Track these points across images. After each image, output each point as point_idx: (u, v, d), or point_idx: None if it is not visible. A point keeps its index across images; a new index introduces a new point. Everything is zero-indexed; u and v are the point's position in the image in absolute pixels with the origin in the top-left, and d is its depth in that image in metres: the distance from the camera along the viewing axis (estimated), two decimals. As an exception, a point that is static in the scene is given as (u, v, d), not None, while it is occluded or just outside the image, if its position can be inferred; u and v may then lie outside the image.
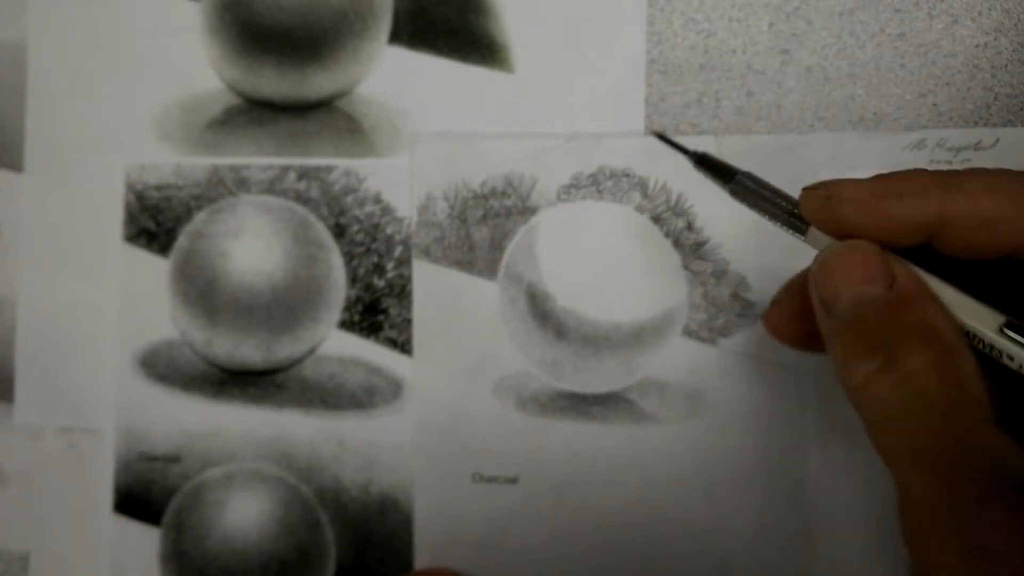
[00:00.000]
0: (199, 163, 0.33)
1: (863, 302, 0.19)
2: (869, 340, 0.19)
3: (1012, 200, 0.19)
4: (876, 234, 0.20)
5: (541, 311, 0.31)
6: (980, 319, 0.19)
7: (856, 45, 0.30)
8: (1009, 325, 0.19)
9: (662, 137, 0.27)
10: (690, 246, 0.30)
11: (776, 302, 0.24)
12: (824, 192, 0.21)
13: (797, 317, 0.23)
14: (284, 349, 0.32)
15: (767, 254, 0.30)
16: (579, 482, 0.31)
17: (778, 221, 0.22)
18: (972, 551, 0.17)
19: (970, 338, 0.19)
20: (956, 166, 0.29)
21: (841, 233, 0.21)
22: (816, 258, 0.21)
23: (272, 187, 0.32)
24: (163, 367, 0.33)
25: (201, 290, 0.33)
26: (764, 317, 0.24)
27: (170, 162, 0.33)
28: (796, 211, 0.22)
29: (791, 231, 0.22)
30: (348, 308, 0.32)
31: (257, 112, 0.32)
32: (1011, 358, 0.19)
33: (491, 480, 0.31)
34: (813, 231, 0.21)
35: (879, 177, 0.20)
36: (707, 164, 0.25)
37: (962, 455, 0.17)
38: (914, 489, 0.18)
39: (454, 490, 0.31)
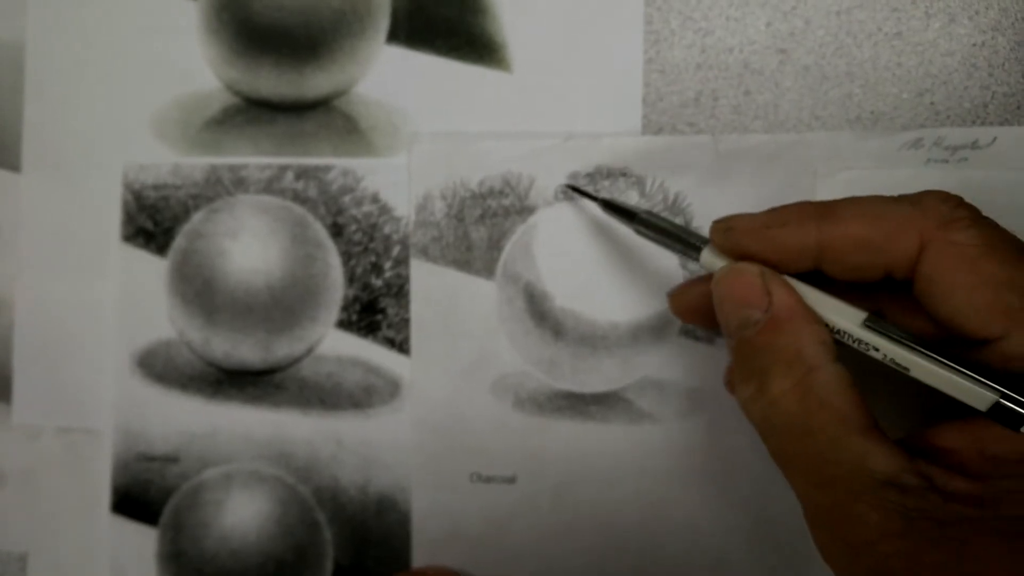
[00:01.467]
0: (197, 163, 0.33)
1: (745, 325, 0.22)
2: (747, 365, 0.22)
3: (877, 224, 0.21)
4: (769, 258, 0.22)
5: (539, 311, 0.31)
6: (847, 318, 0.22)
7: (853, 44, 0.30)
8: (870, 320, 0.21)
9: (572, 188, 0.30)
10: (688, 245, 0.30)
11: (671, 295, 0.27)
12: (724, 225, 0.23)
13: (693, 306, 0.26)
14: (282, 349, 0.32)
15: (765, 253, 0.30)
16: (577, 481, 0.31)
17: (676, 250, 0.26)
18: (847, 543, 0.20)
19: (842, 335, 0.22)
20: (953, 165, 0.29)
21: (741, 259, 0.23)
22: (713, 278, 0.23)
23: (270, 187, 0.32)
24: (161, 367, 0.33)
25: (199, 290, 0.33)
26: (668, 298, 0.27)
27: (168, 162, 0.33)
28: (690, 241, 0.25)
29: (688, 257, 0.25)
30: (346, 308, 0.32)
31: (255, 112, 0.32)
32: (876, 349, 0.21)
33: (489, 480, 0.31)
34: (704, 256, 0.24)
35: (770, 210, 0.23)
36: (612, 207, 0.28)
37: (824, 464, 0.20)
38: (797, 491, 0.21)
39: (452, 490, 0.31)
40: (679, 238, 0.25)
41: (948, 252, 0.21)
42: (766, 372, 0.21)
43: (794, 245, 0.22)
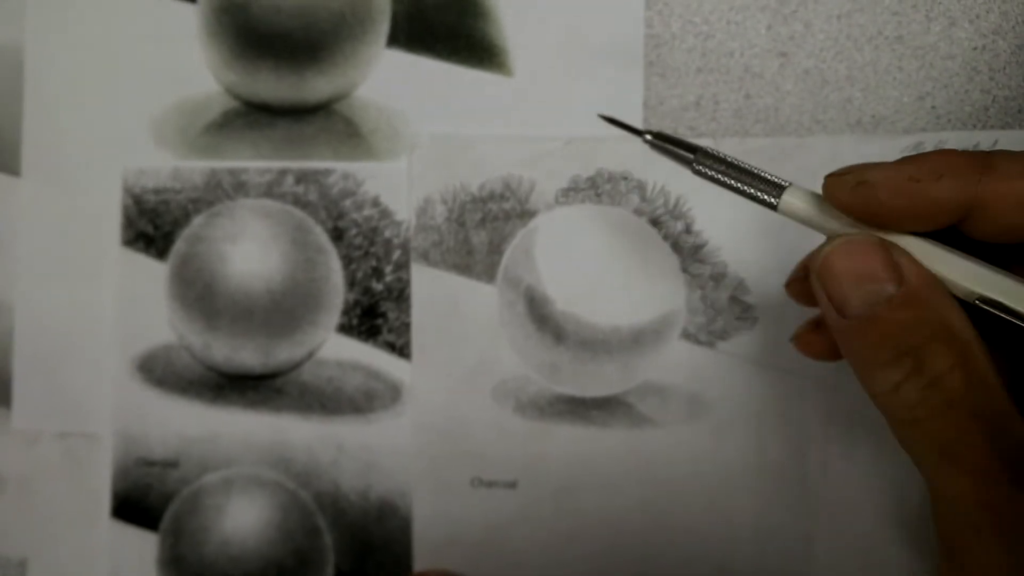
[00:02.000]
0: (197, 167, 0.33)
1: (876, 302, 0.19)
2: (891, 344, 0.19)
3: None
4: (912, 218, 0.20)
5: (540, 314, 0.31)
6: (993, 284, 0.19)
7: (854, 48, 0.30)
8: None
9: (611, 120, 0.26)
10: (689, 249, 0.30)
11: (802, 330, 0.24)
12: (854, 177, 0.20)
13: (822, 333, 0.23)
14: (282, 353, 0.32)
15: (766, 257, 0.30)
16: (578, 486, 0.31)
17: (747, 195, 0.22)
18: (1008, 542, 0.17)
19: (985, 303, 0.19)
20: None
21: (872, 219, 0.20)
22: (816, 254, 0.20)
23: (270, 191, 0.32)
24: (161, 372, 0.33)
25: (199, 294, 0.33)
26: (795, 340, 0.24)
27: (168, 166, 0.33)
28: (766, 179, 0.22)
29: (763, 204, 0.22)
30: (346, 312, 0.32)
31: (255, 116, 0.32)
32: None
33: (490, 484, 0.31)
34: (786, 202, 0.21)
35: (910, 159, 0.20)
36: (665, 141, 0.23)
37: (992, 450, 0.18)
38: (947, 488, 0.19)
39: (453, 495, 0.31)
40: (752, 180, 0.22)
41: None
42: (921, 350, 0.18)
43: (949, 202, 0.19)
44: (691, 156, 0.22)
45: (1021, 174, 0.19)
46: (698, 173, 0.23)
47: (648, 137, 0.23)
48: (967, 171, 0.19)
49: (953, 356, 0.18)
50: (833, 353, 0.24)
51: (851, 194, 0.20)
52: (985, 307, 0.19)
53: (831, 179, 0.20)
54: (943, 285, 0.19)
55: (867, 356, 0.19)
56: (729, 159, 0.22)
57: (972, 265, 0.20)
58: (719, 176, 0.22)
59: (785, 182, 0.21)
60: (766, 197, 0.21)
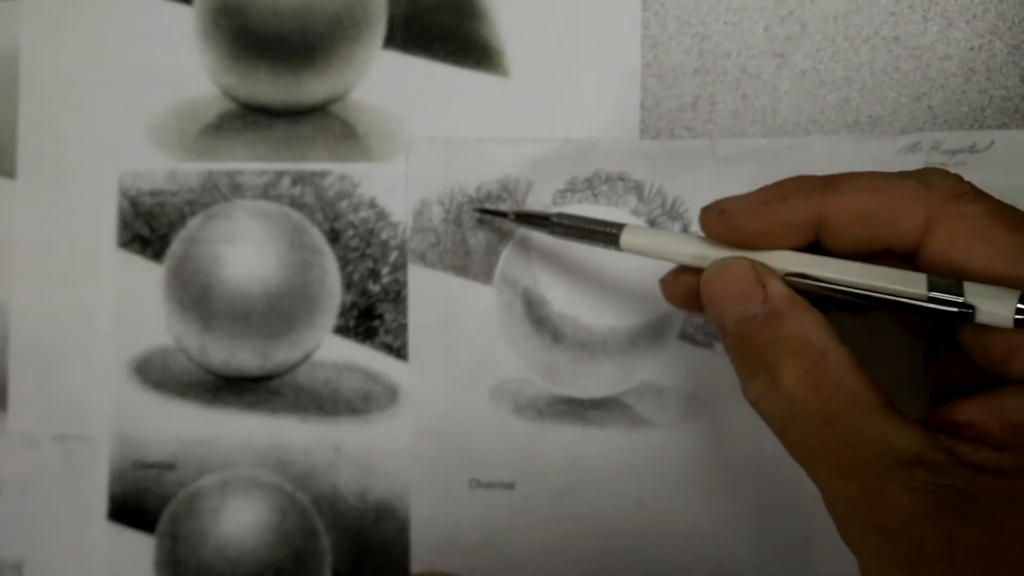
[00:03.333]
0: (193, 169, 0.33)
1: (743, 321, 0.21)
2: (753, 360, 0.21)
3: (878, 197, 0.21)
4: (768, 237, 0.22)
5: (537, 316, 0.31)
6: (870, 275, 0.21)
7: (851, 48, 0.30)
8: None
9: (482, 210, 0.30)
10: (686, 250, 0.30)
11: (663, 282, 0.26)
12: (717, 208, 0.22)
13: (685, 294, 0.25)
14: (279, 355, 0.32)
15: (763, 257, 0.30)
16: (576, 487, 0.31)
17: (596, 243, 0.25)
18: (878, 530, 0.19)
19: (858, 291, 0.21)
20: (951, 168, 0.29)
21: (737, 242, 0.22)
22: (702, 277, 0.22)
23: (266, 192, 0.32)
24: (158, 374, 0.33)
25: (196, 296, 0.33)
26: (660, 284, 0.26)
27: (164, 168, 0.33)
28: (607, 231, 0.25)
29: (609, 247, 0.25)
30: (343, 313, 0.32)
31: (251, 117, 0.32)
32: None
33: (488, 486, 0.31)
34: (624, 240, 0.24)
35: (765, 187, 0.22)
36: (524, 217, 0.28)
37: (849, 450, 0.19)
38: (822, 486, 0.20)
39: (451, 496, 0.31)
40: (596, 231, 0.25)
41: (959, 225, 0.20)
42: (775, 364, 0.20)
43: (796, 219, 0.21)
44: (546, 222, 0.27)
45: (856, 190, 0.21)
46: (555, 234, 0.27)
47: (511, 216, 0.29)
48: (812, 191, 0.21)
49: (803, 367, 0.20)
50: (691, 304, 0.25)
51: (717, 223, 0.22)
52: (810, 284, 0.21)
53: (703, 211, 0.23)
54: (802, 300, 0.21)
55: (738, 368, 0.22)
56: (577, 219, 0.26)
57: (830, 261, 0.21)
58: (572, 233, 0.26)
59: (618, 227, 0.25)
60: (609, 240, 0.25)
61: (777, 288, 0.21)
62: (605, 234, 0.25)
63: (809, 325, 0.20)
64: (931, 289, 0.20)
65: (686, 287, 0.25)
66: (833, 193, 0.21)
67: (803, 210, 0.21)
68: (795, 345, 0.20)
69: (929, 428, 0.19)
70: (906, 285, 0.20)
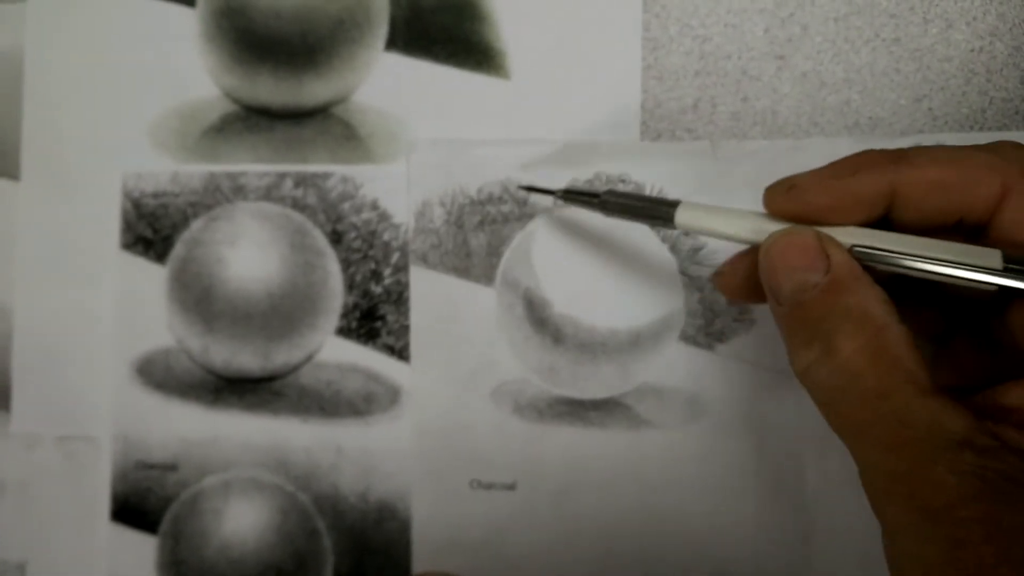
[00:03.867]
0: (196, 170, 0.33)
1: (803, 289, 0.21)
2: (809, 328, 0.21)
3: (954, 167, 0.21)
4: (838, 211, 0.22)
5: (538, 317, 0.31)
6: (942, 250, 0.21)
7: (851, 50, 0.30)
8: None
9: (528, 188, 0.30)
10: (687, 251, 0.30)
11: (720, 273, 0.25)
12: (786, 183, 0.22)
13: (744, 282, 0.25)
14: (281, 356, 0.32)
15: (764, 259, 0.30)
16: (577, 488, 0.31)
17: (648, 221, 0.25)
18: (921, 509, 0.18)
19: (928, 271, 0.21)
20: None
21: (805, 218, 0.22)
22: (761, 246, 0.22)
23: (269, 194, 0.32)
24: (160, 375, 0.33)
25: (198, 297, 0.33)
26: (713, 278, 0.26)
27: (167, 170, 0.33)
28: (661, 208, 0.24)
29: (662, 226, 0.25)
30: (345, 315, 0.32)
31: (254, 119, 0.32)
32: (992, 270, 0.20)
33: (489, 487, 0.31)
34: (680, 217, 0.24)
35: (833, 162, 0.22)
36: (571, 195, 0.28)
37: (899, 427, 0.19)
38: (865, 460, 0.20)
39: (452, 497, 0.31)
40: (648, 208, 0.25)
41: None
42: (832, 333, 0.20)
43: (867, 193, 0.21)
44: (595, 200, 0.26)
45: (931, 162, 0.21)
46: (606, 212, 0.26)
47: (558, 194, 0.28)
48: (882, 165, 0.21)
49: (862, 338, 0.20)
50: (749, 294, 0.25)
51: (784, 199, 0.22)
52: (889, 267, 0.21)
53: (769, 189, 0.23)
54: (866, 275, 0.20)
55: (789, 338, 0.21)
56: (630, 196, 0.26)
57: (899, 236, 0.21)
58: (625, 210, 0.26)
59: (674, 203, 0.24)
60: (663, 217, 0.24)
61: (842, 258, 0.21)
62: (659, 211, 0.24)
63: (872, 299, 0.20)
64: (1007, 262, 0.20)
65: (744, 275, 0.24)
66: (906, 165, 0.21)
67: (874, 183, 0.21)
68: (855, 317, 0.20)
69: (977, 413, 0.19)
70: (981, 259, 0.20)
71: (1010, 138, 0.29)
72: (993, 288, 0.20)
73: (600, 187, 0.26)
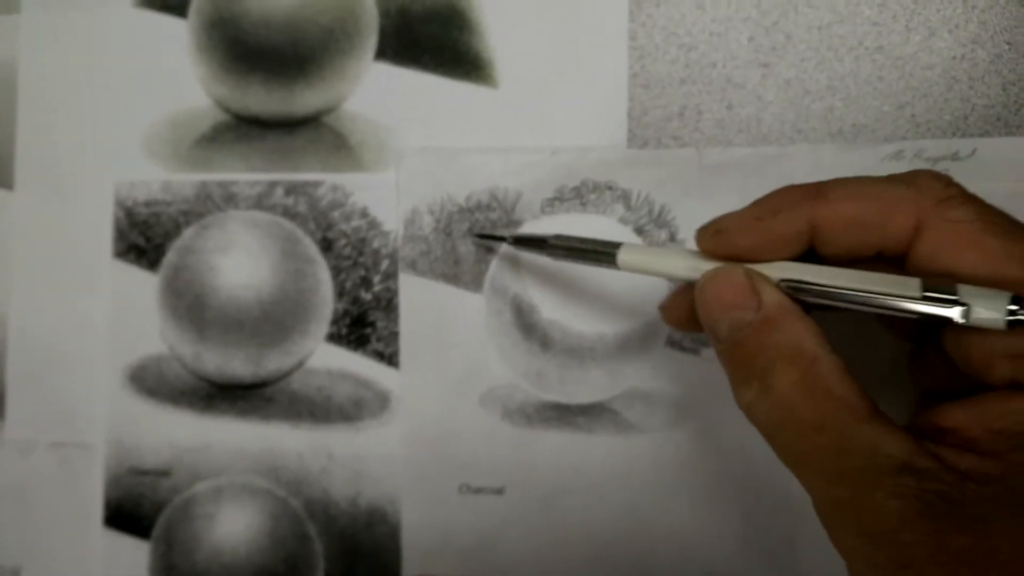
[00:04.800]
0: (188, 179, 0.33)
1: (738, 328, 0.21)
2: (746, 365, 0.21)
3: (869, 203, 0.21)
4: (763, 251, 0.22)
5: (526, 323, 0.31)
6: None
7: (834, 58, 0.30)
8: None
9: (480, 235, 0.31)
10: (673, 257, 0.31)
11: (664, 307, 0.27)
12: (713, 227, 0.23)
13: (687, 315, 0.25)
14: (272, 363, 0.33)
15: (749, 265, 0.30)
16: (565, 492, 0.31)
17: (593, 263, 0.26)
18: (867, 535, 0.19)
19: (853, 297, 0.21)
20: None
21: (734, 258, 0.23)
22: (696, 286, 0.23)
23: (260, 202, 0.33)
24: (153, 382, 0.33)
25: (190, 305, 0.33)
26: (661, 309, 0.27)
27: (159, 179, 0.33)
28: (604, 252, 0.25)
29: (607, 267, 0.25)
30: (335, 321, 0.32)
31: (245, 128, 0.33)
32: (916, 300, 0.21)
33: (478, 491, 0.31)
34: (621, 259, 0.25)
35: (756, 201, 0.23)
36: (521, 241, 0.29)
37: (839, 456, 0.19)
38: (812, 490, 0.20)
39: (441, 501, 0.31)
40: (593, 252, 0.26)
41: (947, 229, 0.21)
42: (768, 370, 0.20)
43: (789, 232, 0.22)
44: (544, 245, 0.27)
45: (847, 198, 0.22)
46: (554, 256, 0.27)
47: (509, 240, 0.30)
48: (802, 202, 0.22)
49: (795, 373, 0.20)
50: (693, 325, 0.25)
51: (713, 242, 0.23)
52: (803, 295, 0.21)
53: (700, 230, 0.23)
54: (796, 307, 0.21)
55: (731, 375, 0.22)
56: (574, 240, 0.27)
57: (825, 269, 0.22)
58: (569, 255, 0.27)
59: (615, 246, 0.25)
60: (606, 259, 0.25)
61: (771, 295, 0.21)
62: (602, 254, 0.25)
63: (802, 332, 0.21)
64: (925, 290, 0.20)
65: (686, 308, 0.25)
66: (823, 202, 0.22)
67: (794, 222, 0.22)
68: (788, 352, 0.20)
69: (916, 435, 0.19)
70: (900, 288, 0.20)
71: (991, 145, 0.29)
72: (914, 316, 0.20)
73: (548, 232, 0.28)
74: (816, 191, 0.22)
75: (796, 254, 0.22)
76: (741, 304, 0.21)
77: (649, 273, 0.25)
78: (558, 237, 0.27)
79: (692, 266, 0.23)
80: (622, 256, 0.25)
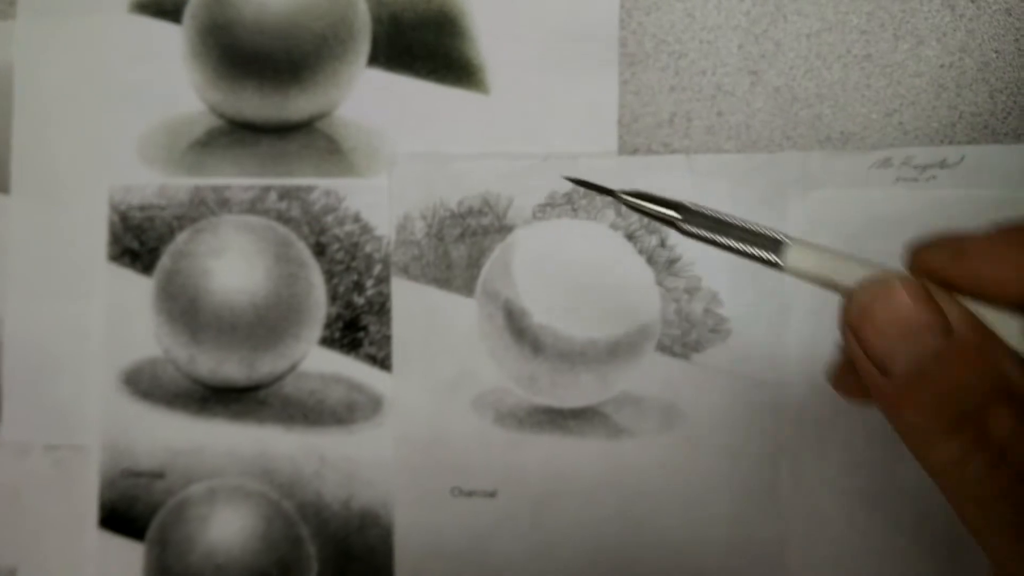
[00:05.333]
0: (182, 184, 0.33)
1: (925, 358, 0.16)
2: (948, 410, 0.16)
3: None
4: (1011, 289, 0.17)
5: (518, 327, 0.31)
6: None
7: (823, 66, 0.31)
8: None
9: (581, 183, 0.24)
10: (663, 263, 0.31)
11: (836, 376, 0.21)
12: (956, 245, 0.18)
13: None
14: (266, 366, 0.33)
15: (738, 270, 0.30)
16: (556, 495, 0.31)
17: (745, 255, 0.20)
18: None
19: None
20: (922, 184, 0.29)
21: (967, 292, 0.18)
22: (847, 300, 0.18)
23: (253, 207, 0.33)
24: (147, 384, 0.33)
25: (184, 308, 0.33)
26: (831, 381, 0.21)
27: (153, 183, 0.33)
28: (765, 236, 0.19)
29: (762, 262, 0.19)
30: (328, 325, 0.33)
31: (239, 134, 0.33)
32: None
33: (470, 494, 0.32)
34: (792, 259, 0.19)
35: (1005, 227, 0.18)
36: (644, 199, 0.21)
37: None
38: (1013, 568, 0.16)
39: (434, 504, 0.32)
40: (742, 238, 0.19)
41: None
42: (981, 414, 0.16)
43: None
44: (676, 216, 0.20)
45: None
46: (686, 233, 0.20)
47: (624, 196, 0.21)
48: None
49: (1015, 418, 0.16)
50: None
51: (952, 264, 0.18)
52: None
53: (925, 250, 0.18)
54: (995, 333, 0.17)
55: (919, 423, 0.17)
56: (719, 216, 0.20)
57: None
58: (710, 236, 0.20)
59: (784, 237, 0.19)
60: (767, 256, 0.19)
61: (963, 315, 0.17)
62: (759, 243, 0.19)
63: (1010, 365, 0.16)
64: None
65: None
66: None
67: None
68: (1001, 389, 0.16)
69: None
70: None
71: (979, 153, 0.29)
72: None
73: (671, 197, 0.20)
74: None
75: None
76: (925, 325, 0.16)
77: (820, 283, 0.19)
78: (696, 206, 0.20)
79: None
80: (792, 256, 0.19)
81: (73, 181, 0.34)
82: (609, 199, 0.31)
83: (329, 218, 0.33)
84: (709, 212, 0.20)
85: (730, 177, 0.30)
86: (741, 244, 0.19)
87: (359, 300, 0.32)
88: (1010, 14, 0.30)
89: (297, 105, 0.33)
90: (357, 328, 0.32)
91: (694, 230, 0.20)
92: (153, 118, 0.34)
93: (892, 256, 0.30)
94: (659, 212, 0.21)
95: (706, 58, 0.31)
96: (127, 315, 0.34)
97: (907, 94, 0.30)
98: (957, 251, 0.18)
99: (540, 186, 0.31)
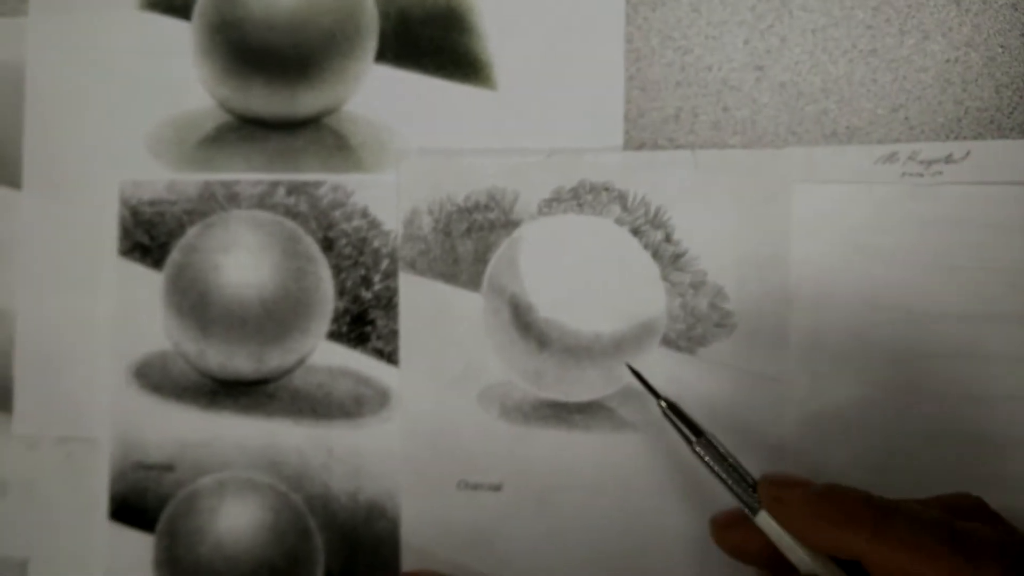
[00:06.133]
0: (191, 179, 0.34)
1: None
2: None
3: (929, 561, 0.20)
4: (813, 541, 0.23)
5: (524, 322, 0.32)
6: None
7: (829, 61, 0.31)
8: None
9: (637, 375, 0.29)
10: (668, 258, 0.31)
11: (718, 525, 0.27)
12: (776, 493, 0.24)
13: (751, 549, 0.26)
14: (274, 360, 0.33)
15: (744, 265, 0.31)
16: (562, 489, 0.31)
17: (730, 489, 0.25)
18: None
19: None
20: (928, 179, 0.30)
21: (782, 527, 0.24)
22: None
23: (262, 202, 0.33)
24: (157, 378, 0.34)
25: (194, 303, 0.34)
26: (713, 527, 0.27)
27: (163, 178, 0.34)
28: (750, 485, 0.25)
29: (743, 504, 0.25)
30: (336, 320, 0.33)
31: (248, 129, 0.33)
32: None
33: (476, 487, 0.32)
34: (764, 517, 0.25)
35: (824, 494, 0.23)
36: (676, 414, 0.27)
37: None
38: None
39: (440, 497, 0.32)
40: (735, 479, 0.25)
41: None
42: None
43: (839, 547, 0.22)
44: (693, 438, 0.26)
45: (908, 547, 0.21)
46: (695, 454, 0.26)
47: (662, 404, 0.27)
48: (862, 527, 0.22)
49: None
50: (745, 556, 0.26)
51: (771, 503, 0.24)
52: None
53: (766, 483, 0.25)
54: None
55: None
56: (724, 454, 0.26)
57: None
58: (711, 465, 0.26)
59: (758, 504, 0.25)
60: (747, 502, 0.25)
61: None
62: (743, 493, 0.25)
63: None
64: None
65: (740, 540, 0.26)
66: (881, 539, 0.21)
67: (847, 544, 0.22)
68: None
69: None
70: None
71: (985, 148, 0.29)
72: None
73: (700, 425, 0.27)
74: (884, 520, 0.21)
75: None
76: None
77: (779, 545, 0.24)
78: (714, 439, 0.26)
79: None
80: (762, 518, 0.25)
81: (84, 176, 0.34)
82: (615, 196, 0.31)
83: (337, 213, 0.33)
84: (721, 449, 0.26)
85: (736, 172, 0.30)
86: (731, 485, 0.25)
87: (367, 294, 0.33)
88: (1016, 9, 0.30)
89: (305, 101, 0.33)
90: (365, 322, 0.33)
91: (701, 453, 0.26)
92: (163, 114, 0.34)
93: (898, 252, 0.30)
94: (682, 429, 0.27)
95: (712, 53, 0.31)
96: (137, 309, 0.34)
97: (913, 89, 0.30)
98: (776, 498, 0.24)
99: (546, 181, 0.32)
